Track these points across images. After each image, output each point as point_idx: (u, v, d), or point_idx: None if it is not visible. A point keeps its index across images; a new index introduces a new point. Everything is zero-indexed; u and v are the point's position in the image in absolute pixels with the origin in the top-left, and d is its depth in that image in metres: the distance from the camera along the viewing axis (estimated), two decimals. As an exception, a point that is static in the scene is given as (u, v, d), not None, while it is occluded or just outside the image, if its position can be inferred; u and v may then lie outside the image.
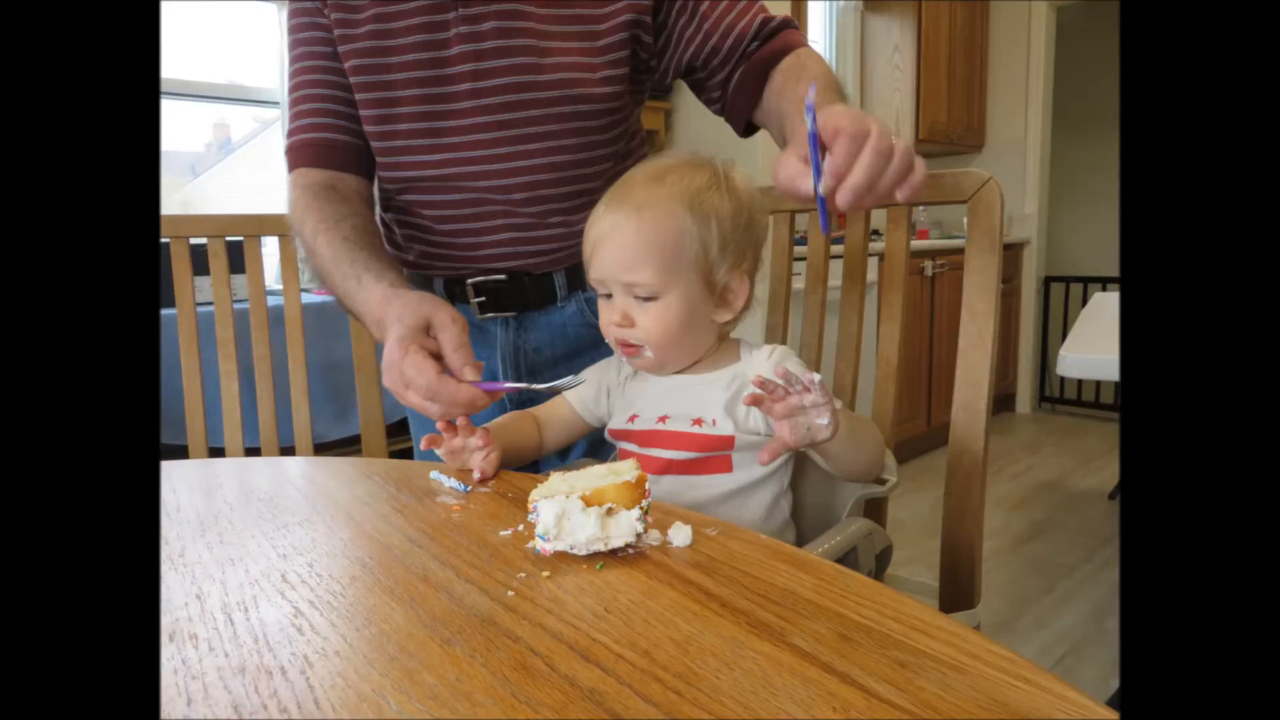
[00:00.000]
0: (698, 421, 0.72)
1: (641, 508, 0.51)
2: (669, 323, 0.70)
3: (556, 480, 0.55)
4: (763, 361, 0.73)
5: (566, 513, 0.50)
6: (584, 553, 0.50)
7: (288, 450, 1.20)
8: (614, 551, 0.50)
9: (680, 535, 0.52)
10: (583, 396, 0.81)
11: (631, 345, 0.71)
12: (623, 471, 0.53)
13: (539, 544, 0.50)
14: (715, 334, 0.75)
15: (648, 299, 0.69)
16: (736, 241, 0.71)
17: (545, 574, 0.47)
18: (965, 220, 0.83)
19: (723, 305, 0.73)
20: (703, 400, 0.73)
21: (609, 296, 0.72)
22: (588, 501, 0.51)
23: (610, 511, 0.51)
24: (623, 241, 0.68)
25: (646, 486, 0.53)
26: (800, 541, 0.77)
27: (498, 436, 0.70)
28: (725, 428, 0.71)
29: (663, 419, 0.74)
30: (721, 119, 0.96)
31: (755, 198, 0.74)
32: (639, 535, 0.50)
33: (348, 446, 1.66)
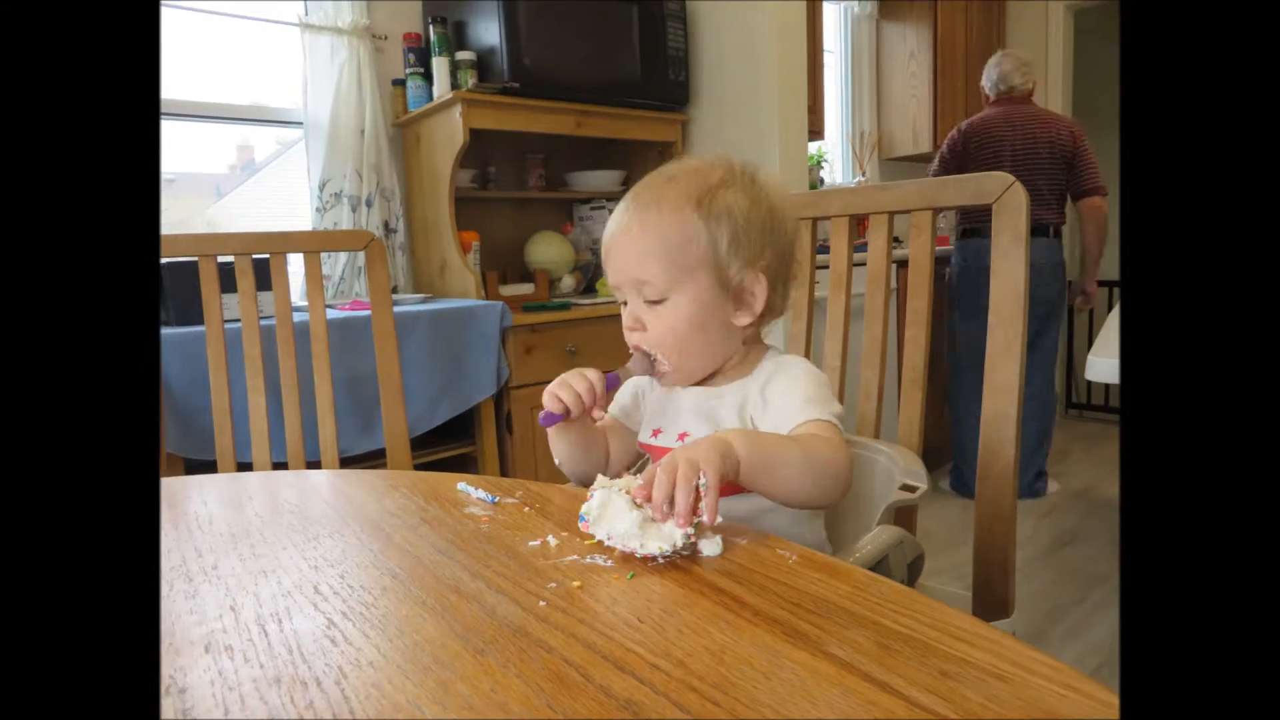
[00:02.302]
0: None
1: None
2: (676, 324, 0.69)
3: (626, 478, 0.55)
4: (760, 380, 0.72)
5: (611, 501, 0.51)
6: (620, 546, 0.51)
7: (314, 464, 1.21)
8: (648, 559, 0.50)
9: (711, 545, 0.52)
10: (621, 403, 0.80)
11: (646, 354, 0.71)
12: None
13: (581, 521, 0.53)
14: (737, 338, 0.73)
15: (656, 301, 0.69)
16: (751, 239, 0.68)
17: (576, 584, 0.47)
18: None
19: (742, 307, 0.70)
20: (719, 417, 0.72)
21: (625, 304, 0.72)
22: (638, 500, 0.52)
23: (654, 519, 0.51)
24: (628, 241, 0.69)
25: (703, 506, 0.51)
26: (831, 552, 0.76)
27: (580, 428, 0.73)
28: None
29: (682, 437, 0.73)
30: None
31: (779, 198, 0.72)
32: (675, 546, 0.50)
33: (373, 460, 1.68)
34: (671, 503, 0.51)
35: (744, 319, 0.71)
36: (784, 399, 0.69)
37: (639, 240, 0.68)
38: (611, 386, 0.69)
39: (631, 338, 0.72)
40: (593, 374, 0.69)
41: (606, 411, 0.70)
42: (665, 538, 0.50)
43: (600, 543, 0.53)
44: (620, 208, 0.71)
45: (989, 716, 0.32)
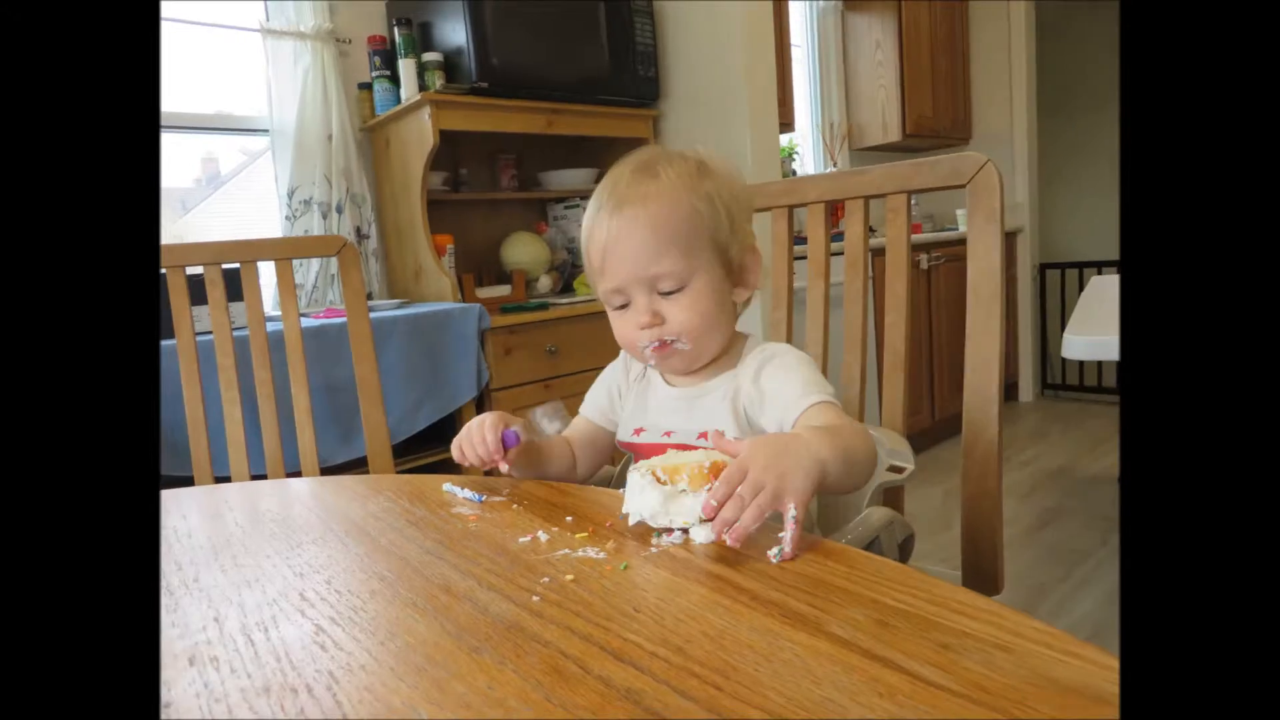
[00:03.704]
0: (704, 435, 0.70)
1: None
2: (702, 308, 0.68)
3: (671, 455, 0.56)
4: (749, 372, 0.70)
5: (639, 485, 0.52)
6: (654, 524, 0.52)
7: (294, 475, 1.19)
8: (657, 541, 0.51)
9: (702, 533, 0.51)
10: (597, 404, 0.80)
11: (664, 344, 0.68)
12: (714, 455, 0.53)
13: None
14: (735, 318, 0.74)
15: (674, 291, 0.67)
16: (738, 217, 0.70)
17: (569, 577, 0.47)
18: (965, 206, 0.82)
19: (740, 284, 0.72)
20: (708, 413, 0.71)
21: (623, 307, 0.70)
22: (661, 477, 0.52)
23: (683, 492, 0.51)
24: (639, 237, 0.66)
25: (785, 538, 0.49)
26: (823, 534, 0.76)
27: (525, 451, 0.72)
28: None
29: (668, 434, 0.72)
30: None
31: (736, 173, 0.74)
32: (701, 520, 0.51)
33: (354, 470, 1.65)
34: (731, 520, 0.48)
35: (742, 295, 0.73)
36: (781, 388, 0.68)
37: (649, 235, 0.66)
38: (509, 444, 0.69)
39: (648, 335, 0.68)
40: (491, 432, 0.68)
41: (507, 466, 0.70)
42: (688, 511, 0.51)
43: (591, 534, 0.53)
44: (602, 209, 0.68)
45: (991, 685, 0.32)
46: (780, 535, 0.48)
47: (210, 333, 1.16)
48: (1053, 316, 3.82)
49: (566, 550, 0.51)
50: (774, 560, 0.46)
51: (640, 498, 0.52)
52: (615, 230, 0.67)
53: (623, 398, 0.79)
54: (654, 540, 0.51)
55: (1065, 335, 1.43)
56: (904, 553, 0.70)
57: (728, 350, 0.74)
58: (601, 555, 0.50)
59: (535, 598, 0.44)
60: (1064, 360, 3.72)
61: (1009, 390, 3.77)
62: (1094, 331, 1.46)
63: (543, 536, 0.54)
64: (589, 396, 0.82)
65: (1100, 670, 0.33)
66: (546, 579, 0.47)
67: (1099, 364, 3.59)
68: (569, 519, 0.57)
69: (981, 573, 0.79)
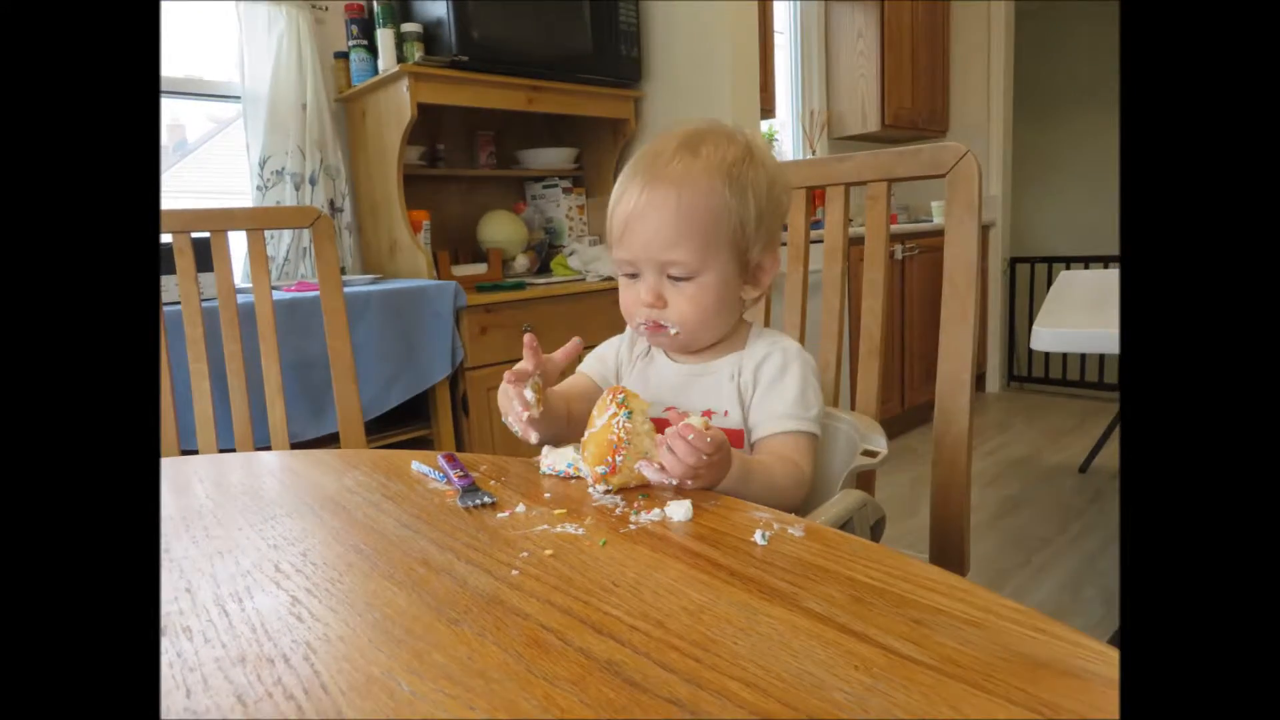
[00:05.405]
0: (708, 413, 0.70)
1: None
2: (705, 304, 0.67)
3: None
4: (754, 359, 0.71)
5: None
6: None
7: (264, 450, 1.17)
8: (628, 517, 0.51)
9: (680, 510, 0.52)
10: (598, 368, 0.80)
11: (660, 325, 0.69)
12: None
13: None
14: (739, 312, 0.73)
15: (683, 279, 0.67)
16: (768, 216, 0.69)
17: (548, 552, 0.47)
18: (941, 198, 0.83)
19: (752, 283, 0.71)
20: (713, 390, 0.71)
21: (633, 276, 0.69)
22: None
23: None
24: (661, 218, 0.65)
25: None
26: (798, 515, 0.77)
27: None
28: (736, 419, 0.70)
29: (669, 410, 0.72)
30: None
31: (780, 170, 0.72)
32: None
33: (325, 447, 1.63)
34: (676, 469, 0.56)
35: (751, 294, 0.72)
36: (771, 396, 0.69)
37: (673, 220, 0.65)
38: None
39: (646, 314, 0.69)
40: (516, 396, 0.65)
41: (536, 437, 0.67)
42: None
43: (569, 511, 0.53)
44: (637, 176, 0.67)
45: (963, 659, 0.33)
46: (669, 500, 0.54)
47: (178, 303, 1.14)
48: (1021, 309, 3.89)
49: (545, 526, 0.51)
50: (760, 542, 0.47)
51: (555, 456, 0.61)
52: (641, 205, 0.66)
53: (625, 365, 0.78)
54: (632, 518, 0.52)
55: (1034, 327, 1.45)
56: (875, 535, 0.71)
57: (731, 335, 0.74)
58: (580, 531, 0.50)
59: (514, 572, 0.44)
60: (1030, 352, 3.80)
61: (978, 381, 3.84)
62: (1062, 324, 1.49)
63: (521, 510, 0.54)
64: (592, 357, 0.81)
65: (1068, 646, 0.34)
66: (525, 553, 0.47)
67: (1064, 356, 3.67)
68: (547, 495, 0.57)
69: (948, 556, 0.81)
